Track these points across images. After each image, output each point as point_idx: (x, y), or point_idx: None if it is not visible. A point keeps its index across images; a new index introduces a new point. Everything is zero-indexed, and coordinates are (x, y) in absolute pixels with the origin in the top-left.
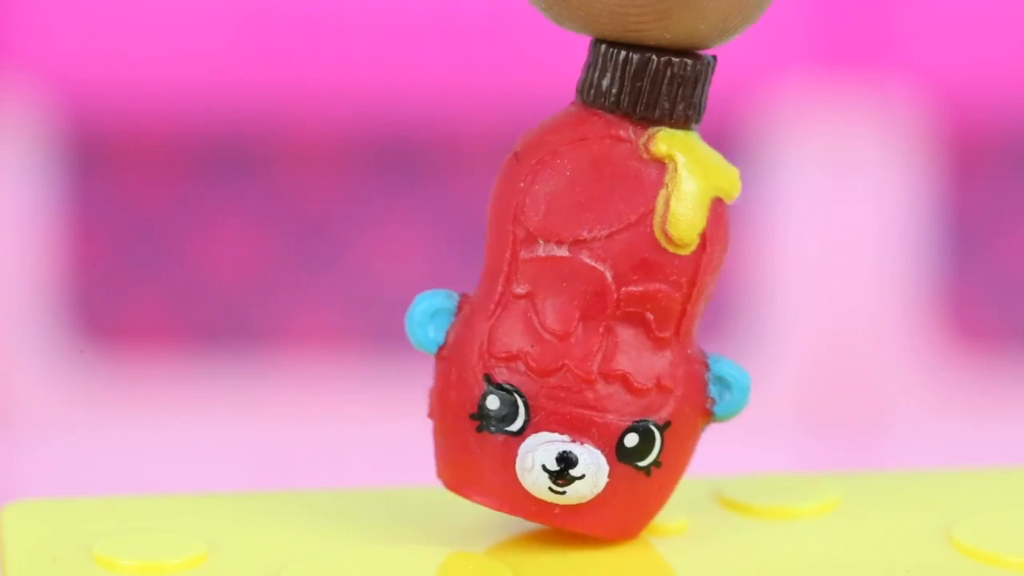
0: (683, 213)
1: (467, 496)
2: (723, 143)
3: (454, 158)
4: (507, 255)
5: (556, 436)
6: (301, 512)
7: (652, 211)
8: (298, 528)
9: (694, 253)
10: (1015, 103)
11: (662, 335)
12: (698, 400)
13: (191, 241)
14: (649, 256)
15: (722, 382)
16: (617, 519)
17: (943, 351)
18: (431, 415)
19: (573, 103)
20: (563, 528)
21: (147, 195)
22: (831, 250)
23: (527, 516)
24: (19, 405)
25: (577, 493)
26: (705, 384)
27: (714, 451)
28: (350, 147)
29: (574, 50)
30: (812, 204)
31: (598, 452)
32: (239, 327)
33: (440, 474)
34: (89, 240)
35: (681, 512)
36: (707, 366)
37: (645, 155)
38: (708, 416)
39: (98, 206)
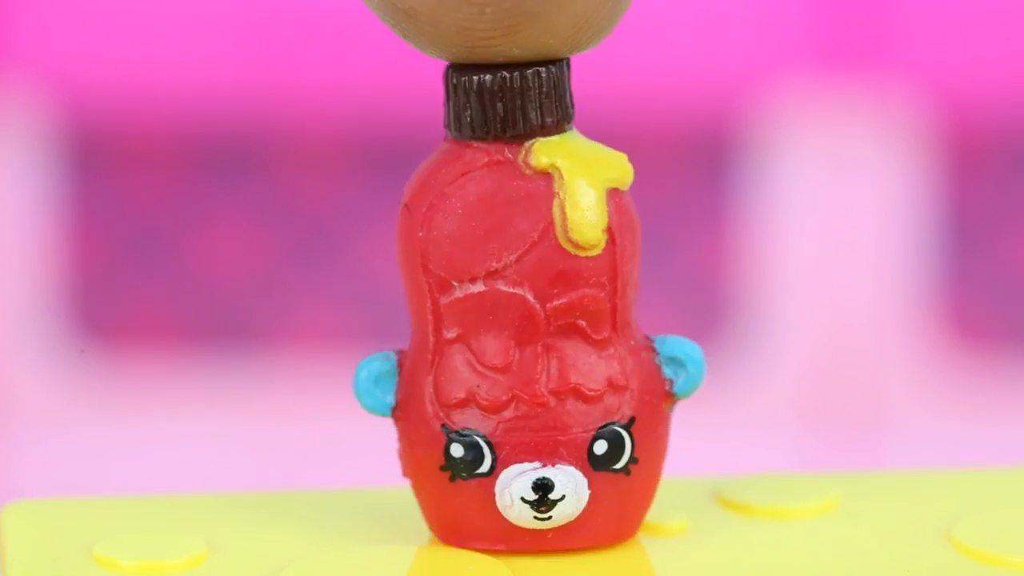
0: (581, 216)
1: (464, 546)
2: (723, 143)
3: None
4: (428, 304)
5: (527, 465)
6: (301, 512)
7: (552, 223)
8: (298, 528)
9: (606, 250)
10: (1015, 103)
11: (600, 337)
12: (656, 386)
13: (191, 241)
14: (563, 267)
15: (675, 361)
16: (610, 525)
17: (943, 351)
18: (405, 475)
19: (445, 139)
20: (563, 549)
21: (147, 195)
22: (831, 250)
23: (524, 550)
24: (19, 405)
25: (563, 514)
26: (658, 368)
27: (714, 451)
28: (349, 147)
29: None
30: (812, 204)
31: (572, 469)
32: (239, 327)
33: (433, 530)
34: (89, 240)
35: (681, 512)
36: (655, 351)
37: (528, 171)
38: (670, 398)
39: (98, 206)
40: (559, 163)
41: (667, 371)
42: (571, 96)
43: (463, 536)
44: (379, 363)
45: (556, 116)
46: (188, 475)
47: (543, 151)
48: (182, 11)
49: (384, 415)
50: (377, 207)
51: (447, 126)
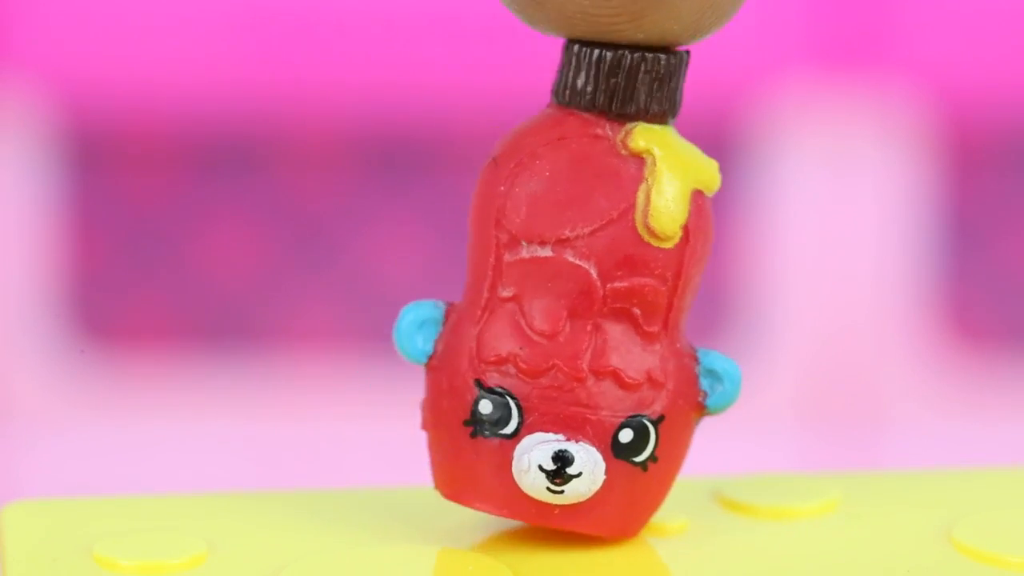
0: (664, 206)
1: (466, 503)
2: (723, 143)
3: (453, 158)
4: (491, 259)
5: (551, 436)
6: (301, 512)
7: (633, 206)
8: (298, 528)
9: (677, 246)
10: (1015, 103)
11: (650, 329)
12: (690, 394)
13: (191, 241)
14: (633, 251)
15: (713, 375)
16: (617, 517)
17: (943, 351)
18: (424, 427)
19: (549, 105)
20: (563, 529)
21: (147, 195)
22: (831, 249)
23: (527, 519)
24: (19, 405)
25: (575, 491)
26: (696, 378)
27: (714, 451)
28: (349, 147)
29: None
30: (812, 204)
31: (594, 449)
32: (239, 327)
33: (438, 484)
34: (89, 240)
35: (681, 512)
36: (697, 360)
37: (623, 151)
38: (701, 410)
39: (98, 206)
40: (655, 150)
41: (704, 383)
42: (682, 93)
43: (469, 495)
44: (427, 309)
45: (663, 106)
46: (188, 475)
47: (642, 135)
48: (182, 11)
49: (419, 362)
50: (377, 207)
51: (554, 93)
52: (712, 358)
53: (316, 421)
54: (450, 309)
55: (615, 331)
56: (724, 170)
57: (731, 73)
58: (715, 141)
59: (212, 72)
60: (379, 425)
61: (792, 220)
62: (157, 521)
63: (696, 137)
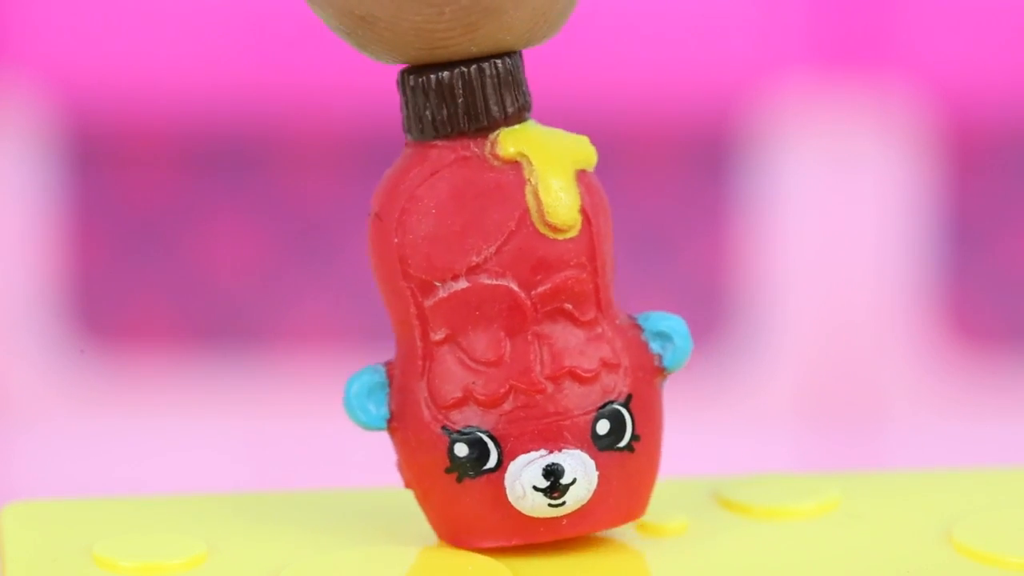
0: (556, 199)
1: (478, 547)
2: (723, 143)
3: None
4: (412, 310)
5: (534, 454)
6: (301, 512)
7: (527, 210)
8: (298, 528)
9: (583, 231)
10: (1015, 103)
11: (586, 318)
12: (646, 363)
13: (191, 240)
14: (543, 252)
15: (661, 336)
16: (621, 504)
17: (943, 351)
18: (408, 486)
19: (407, 144)
20: (577, 535)
21: (147, 194)
22: (831, 249)
23: (539, 538)
24: (19, 405)
25: (575, 498)
26: (645, 344)
27: (714, 451)
28: (348, 147)
29: (574, 50)
30: (813, 203)
31: (578, 452)
32: (239, 326)
33: (441, 536)
34: (89, 239)
35: (681, 512)
36: (640, 327)
37: (496, 162)
38: (661, 372)
39: (98, 205)
40: (527, 150)
41: (654, 346)
42: (527, 85)
43: (476, 536)
44: (368, 376)
45: (516, 105)
46: (188, 475)
47: (509, 140)
48: (182, 11)
49: (380, 429)
50: None
51: (407, 131)
52: (653, 320)
53: (316, 421)
54: (390, 367)
55: (555, 332)
56: (725, 170)
57: (731, 73)
58: (715, 141)
59: (212, 72)
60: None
61: (792, 220)
62: (157, 521)
63: (696, 137)
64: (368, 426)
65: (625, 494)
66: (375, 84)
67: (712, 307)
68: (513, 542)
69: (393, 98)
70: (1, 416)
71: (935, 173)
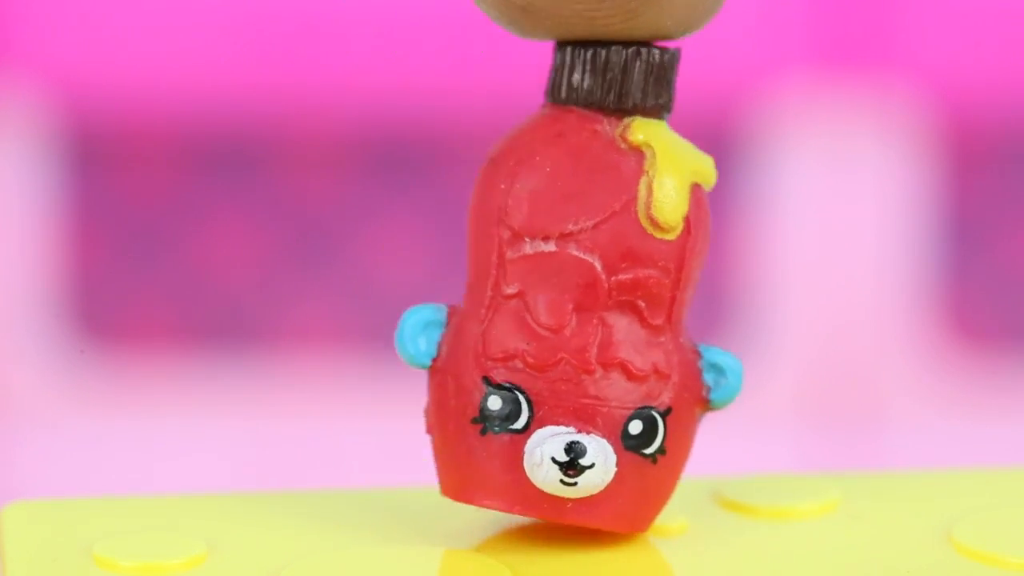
0: (666, 197)
1: (476, 502)
2: (723, 143)
3: (452, 158)
4: (493, 258)
5: (562, 428)
6: (301, 512)
7: (635, 198)
8: (298, 528)
9: (679, 237)
10: (1015, 103)
11: (655, 322)
12: (694, 388)
13: (191, 241)
14: (636, 243)
15: (716, 369)
16: (628, 510)
17: (943, 351)
18: (430, 430)
19: (544, 105)
20: (576, 524)
21: (147, 195)
22: (831, 249)
23: (539, 514)
24: (19, 405)
25: (589, 483)
26: (699, 372)
27: (714, 451)
28: (349, 147)
29: None
30: (812, 203)
31: (604, 441)
32: (239, 326)
33: (445, 488)
34: (89, 240)
35: (681, 512)
36: (699, 354)
37: (622, 144)
38: (705, 404)
39: (98, 205)
40: (654, 143)
41: (707, 378)
42: (675, 87)
43: (479, 493)
44: (429, 312)
45: (659, 99)
46: (188, 475)
47: (641, 129)
48: (182, 11)
49: (422, 366)
50: (377, 207)
51: (549, 94)
52: (714, 353)
53: (316, 421)
54: (452, 311)
55: (620, 323)
56: (725, 170)
57: (731, 73)
58: (715, 141)
59: (212, 72)
60: (379, 425)
61: (792, 220)
62: (157, 521)
63: (696, 137)
64: (413, 360)
65: (635, 502)
66: (376, 85)
67: (712, 307)
68: (513, 510)
69: (394, 99)
70: (1, 416)
71: (935, 173)
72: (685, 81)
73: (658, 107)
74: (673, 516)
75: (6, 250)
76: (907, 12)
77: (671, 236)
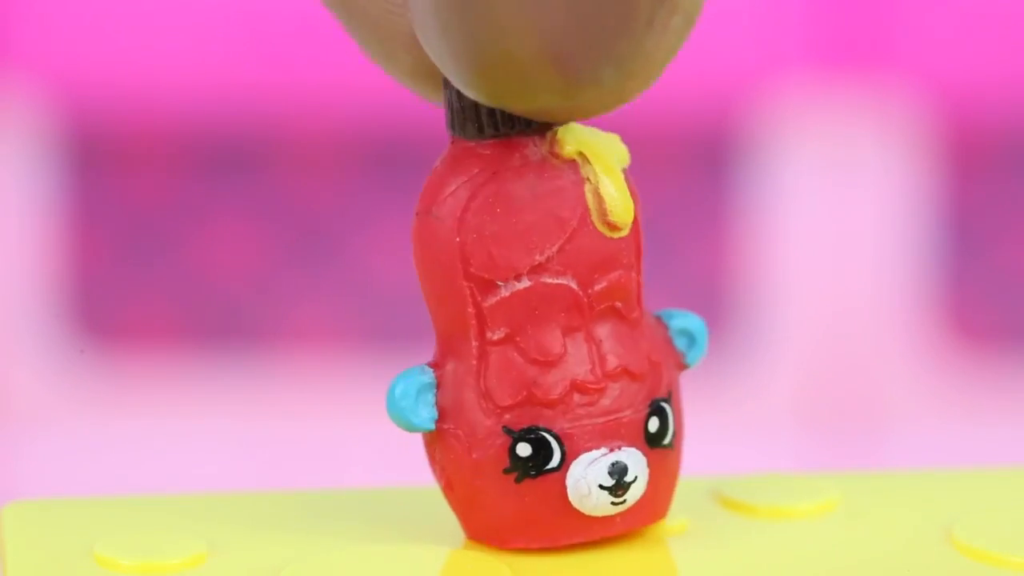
0: (616, 198)
1: (522, 547)
2: (723, 144)
3: None
4: (470, 309)
5: (596, 453)
6: (301, 512)
7: (587, 209)
8: (298, 528)
9: (632, 229)
10: (1015, 104)
11: (633, 316)
12: (675, 359)
13: (191, 241)
14: (601, 250)
15: (685, 333)
16: (663, 500)
17: (943, 351)
18: (449, 487)
19: (454, 142)
20: (630, 530)
21: (147, 195)
22: (831, 249)
23: (590, 537)
24: (19, 405)
25: (635, 495)
26: (670, 341)
27: (714, 451)
28: (349, 147)
29: None
30: (812, 204)
31: (634, 450)
32: (239, 326)
33: (478, 537)
34: (89, 239)
35: (681, 512)
36: (665, 325)
37: (556, 161)
38: (682, 368)
39: (98, 206)
40: (584, 148)
41: (680, 343)
42: None
43: (523, 538)
44: (417, 377)
45: None
46: (188, 475)
47: (568, 139)
48: (183, 12)
49: (427, 430)
50: (376, 206)
51: (456, 128)
52: (678, 319)
53: (316, 421)
54: (436, 366)
55: (607, 331)
56: (725, 170)
57: (731, 73)
58: (715, 142)
59: (212, 73)
60: (379, 425)
61: (792, 221)
62: (157, 521)
63: (696, 138)
64: (415, 428)
65: (663, 490)
66: (376, 85)
67: (712, 308)
68: (560, 544)
69: (394, 99)
70: (1, 416)
71: (935, 174)
72: (685, 81)
73: None
74: (673, 516)
75: (6, 250)
76: (907, 13)
77: (627, 231)
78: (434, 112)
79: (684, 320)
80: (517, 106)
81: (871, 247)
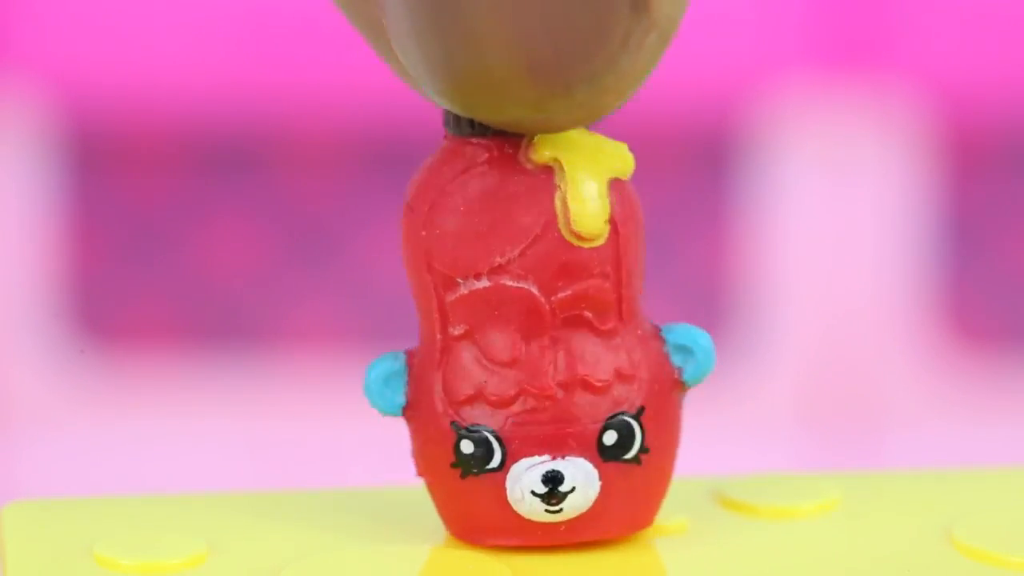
0: (583, 208)
1: (482, 543)
2: (723, 144)
3: None
4: (434, 303)
5: (536, 459)
6: (301, 512)
7: (554, 216)
8: (298, 528)
9: (609, 240)
10: (1015, 103)
11: (606, 327)
12: (665, 375)
13: (191, 241)
14: (567, 259)
15: (683, 349)
16: (624, 515)
17: (943, 351)
18: (420, 474)
19: (446, 137)
20: (576, 541)
21: (147, 195)
22: (831, 251)
23: (537, 542)
24: (19, 405)
25: (573, 506)
26: (667, 357)
27: (714, 451)
28: (349, 147)
29: None
30: (812, 205)
31: (582, 460)
32: (239, 326)
33: (451, 530)
34: (89, 240)
35: (681, 512)
36: (663, 339)
37: (529, 165)
38: (680, 386)
39: (98, 206)
40: (560, 156)
41: (676, 359)
42: None
43: (477, 532)
44: (388, 363)
45: None
46: (188, 475)
47: (544, 144)
48: (182, 12)
49: (395, 415)
50: (376, 206)
51: (446, 124)
52: (677, 333)
53: (316, 421)
54: (411, 356)
55: (572, 340)
56: (724, 170)
57: (731, 73)
58: (715, 142)
59: (212, 73)
60: (379, 425)
61: (792, 221)
62: (157, 521)
63: (696, 138)
64: (385, 411)
65: (629, 505)
66: (376, 85)
67: (712, 308)
68: (512, 542)
69: (394, 99)
70: (1, 416)
71: (935, 174)
72: (685, 81)
73: None
74: (673, 516)
75: (6, 250)
76: (907, 13)
77: (600, 242)
78: (434, 112)
79: (682, 335)
80: (488, 117)
81: (871, 247)
